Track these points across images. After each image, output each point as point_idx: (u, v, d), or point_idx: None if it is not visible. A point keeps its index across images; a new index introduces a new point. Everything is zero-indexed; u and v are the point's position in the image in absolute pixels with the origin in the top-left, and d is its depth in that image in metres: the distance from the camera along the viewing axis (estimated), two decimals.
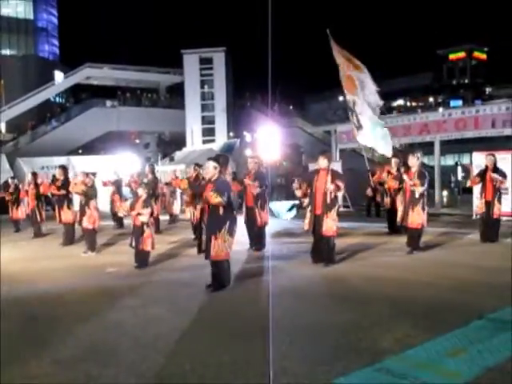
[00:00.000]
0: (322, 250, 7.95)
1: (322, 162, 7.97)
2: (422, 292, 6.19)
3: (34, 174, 13.53)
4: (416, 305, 5.62)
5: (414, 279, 6.94)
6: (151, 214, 8.57)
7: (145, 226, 8.30)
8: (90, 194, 10.07)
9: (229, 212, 6.42)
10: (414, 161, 9.00)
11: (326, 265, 7.81)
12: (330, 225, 7.81)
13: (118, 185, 14.59)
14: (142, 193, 8.61)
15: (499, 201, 9.94)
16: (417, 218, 8.77)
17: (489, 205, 9.87)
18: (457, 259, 8.40)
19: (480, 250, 9.30)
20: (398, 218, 9.34)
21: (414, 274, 7.32)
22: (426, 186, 8.82)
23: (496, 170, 9.92)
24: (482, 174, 10.04)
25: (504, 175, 9.95)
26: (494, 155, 10.15)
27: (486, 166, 10.02)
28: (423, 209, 8.81)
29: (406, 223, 8.92)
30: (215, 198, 6.21)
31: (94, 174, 11.57)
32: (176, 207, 16.40)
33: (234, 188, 9.46)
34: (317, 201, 7.90)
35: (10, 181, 14.84)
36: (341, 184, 7.76)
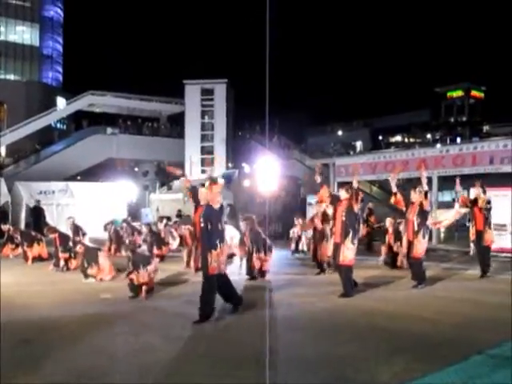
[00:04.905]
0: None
1: (342, 194, 8.32)
2: (420, 326, 6.12)
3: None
4: (415, 339, 5.55)
5: (413, 313, 6.87)
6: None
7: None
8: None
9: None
10: (415, 196, 9.10)
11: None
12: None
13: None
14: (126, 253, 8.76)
15: (490, 228, 10.22)
16: (419, 247, 8.85)
17: (480, 234, 10.09)
18: (456, 294, 8.34)
19: (479, 286, 9.24)
20: (404, 250, 9.50)
21: (413, 308, 7.25)
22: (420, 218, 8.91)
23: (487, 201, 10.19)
24: (472, 204, 10.26)
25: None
26: (482, 184, 10.35)
27: (476, 198, 10.22)
28: (423, 237, 8.89)
29: (411, 254, 8.97)
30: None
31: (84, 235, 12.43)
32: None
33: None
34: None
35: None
36: None
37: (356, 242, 8.14)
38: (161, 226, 14.21)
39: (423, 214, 8.91)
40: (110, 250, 13.68)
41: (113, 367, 4.71)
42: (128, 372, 4.60)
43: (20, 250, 13.67)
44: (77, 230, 12.58)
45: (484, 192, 10.32)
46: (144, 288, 8.17)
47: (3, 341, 5.45)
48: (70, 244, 11.35)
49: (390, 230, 11.97)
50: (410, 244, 8.96)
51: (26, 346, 5.41)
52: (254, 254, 9.99)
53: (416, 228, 8.83)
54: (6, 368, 4.63)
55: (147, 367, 4.66)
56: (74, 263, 11.20)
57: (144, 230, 13.64)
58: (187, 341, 5.63)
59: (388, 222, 12.29)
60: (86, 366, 4.73)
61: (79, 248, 10.28)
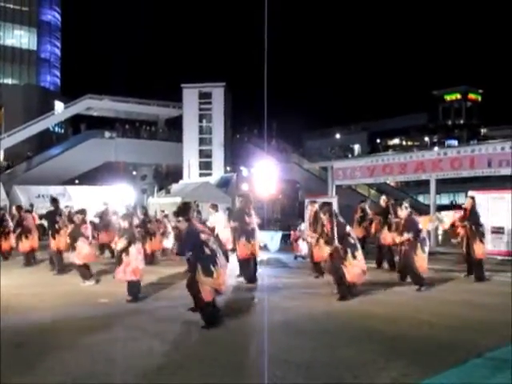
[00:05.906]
0: None
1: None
2: (419, 329, 6.11)
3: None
4: (412, 342, 5.54)
5: (410, 316, 6.85)
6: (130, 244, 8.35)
7: (123, 255, 8.22)
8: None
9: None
10: (402, 213, 9.20)
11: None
12: None
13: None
14: (123, 223, 8.68)
15: (481, 241, 10.04)
16: (421, 261, 8.88)
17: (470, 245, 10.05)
18: (454, 297, 8.32)
19: (477, 288, 9.23)
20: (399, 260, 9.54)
21: (411, 311, 7.24)
22: (411, 233, 8.81)
23: (474, 213, 10.10)
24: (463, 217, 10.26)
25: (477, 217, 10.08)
26: (473, 197, 10.38)
27: (465, 209, 10.19)
28: (423, 252, 8.90)
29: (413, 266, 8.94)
30: None
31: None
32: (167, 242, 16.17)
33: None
34: None
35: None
36: None
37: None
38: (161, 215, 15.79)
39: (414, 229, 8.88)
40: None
41: (110, 371, 4.68)
42: (126, 376, 4.57)
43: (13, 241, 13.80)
44: (71, 218, 12.72)
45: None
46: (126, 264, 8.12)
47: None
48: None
49: None
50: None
51: (22, 348, 5.38)
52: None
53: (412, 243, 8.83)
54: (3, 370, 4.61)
55: (144, 371, 4.64)
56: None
57: (139, 213, 13.83)
58: (184, 344, 5.61)
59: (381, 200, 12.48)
60: (84, 370, 4.70)
61: (68, 227, 10.64)
